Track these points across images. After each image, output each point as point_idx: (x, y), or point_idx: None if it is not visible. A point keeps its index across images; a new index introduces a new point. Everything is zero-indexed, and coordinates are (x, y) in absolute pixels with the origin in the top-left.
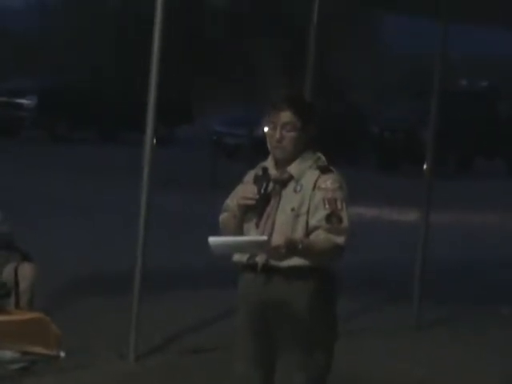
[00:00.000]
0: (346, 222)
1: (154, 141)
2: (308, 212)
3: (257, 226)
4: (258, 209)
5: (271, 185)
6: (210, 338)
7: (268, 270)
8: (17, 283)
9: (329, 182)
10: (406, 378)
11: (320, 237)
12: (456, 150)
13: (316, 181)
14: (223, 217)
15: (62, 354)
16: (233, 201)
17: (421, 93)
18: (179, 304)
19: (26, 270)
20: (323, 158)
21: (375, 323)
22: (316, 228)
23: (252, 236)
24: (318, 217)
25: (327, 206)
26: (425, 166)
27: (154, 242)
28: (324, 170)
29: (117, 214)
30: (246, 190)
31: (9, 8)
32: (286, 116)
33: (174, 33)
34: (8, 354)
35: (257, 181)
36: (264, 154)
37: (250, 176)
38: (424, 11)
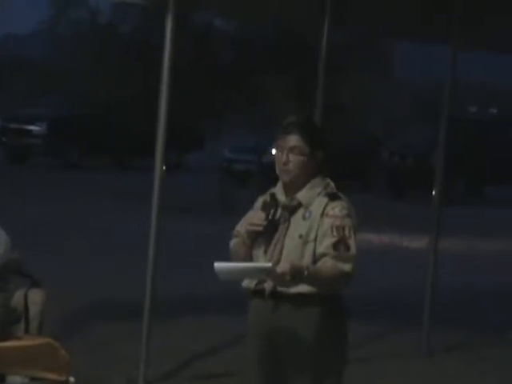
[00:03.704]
0: (353, 250)
1: (164, 167)
2: (316, 239)
3: (265, 252)
4: (267, 235)
5: (279, 211)
6: (221, 365)
7: (276, 297)
8: (26, 309)
9: (337, 209)
10: None
11: (327, 264)
12: (466, 177)
13: (324, 208)
14: (233, 243)
15: (72, 380)
16: (242, 227)
17: (430, 119)
18: (189, 330)
19: (36, 296)
20: (332, 184)
21: (385, 349)
22: (323, 255)
23: (258, 262)
24: (326, 244)
25: (335, 234)
26: (434, 192)
27: (164, 268)
28: (332, 197)
29: (128, 240)
30: (253, 217)
31: (20, 34)
32: (293, 140)
33: (183, 59)
34: (17, 379)
35: (265, 207)
36: (274, 179)
37: (259, 202)
38: (435, 37)
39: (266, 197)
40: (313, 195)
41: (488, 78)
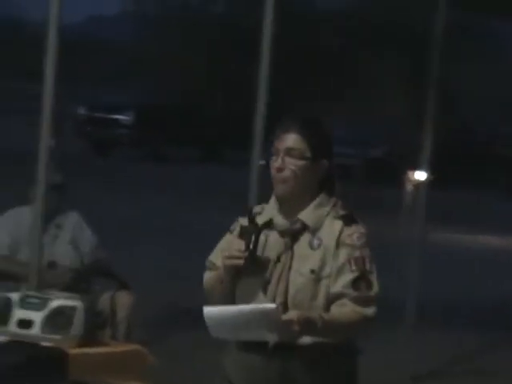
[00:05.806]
0: (376, 287)
1: (263, 162)
2: (330, 275)
3: (264, 291)
4: (263, 270)
5: (262, 236)
6: None
7: (283, 351)
8: (113, 312)
9: (355, 236)
10: None
11: (345, 309)
12: None
13: (339, 234)
14: (207, 277)
15: None
16: (218, 258)
17: None
18: None
19: (124, 299)
20: (341, 203)
21: (496, 361)
22: (340, 296)
23: (255, 304)
24: (344, 281)
25: (354, 268)
26: None
27: None
28: (348, 221)
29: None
30: (230, 247)
31: (105, 16)
32: (292, 140)
33: (282, 44)
34: None
35: (244, 233)
36: (378, 177)
37: (238, 224)
38: None
39: (245, 219)
40: (320, 216)
41: None
